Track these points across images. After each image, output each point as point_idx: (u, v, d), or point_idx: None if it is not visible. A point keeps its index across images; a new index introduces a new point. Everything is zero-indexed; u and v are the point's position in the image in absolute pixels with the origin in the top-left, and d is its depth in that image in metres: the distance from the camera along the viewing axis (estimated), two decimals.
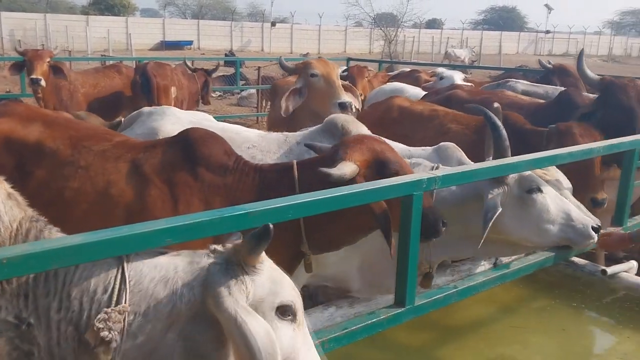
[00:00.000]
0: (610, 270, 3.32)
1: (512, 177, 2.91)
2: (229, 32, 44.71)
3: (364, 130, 3.28)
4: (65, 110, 6.82)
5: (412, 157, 3.17)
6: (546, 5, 61.13)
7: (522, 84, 6.49)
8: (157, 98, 7.31)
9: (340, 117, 3.35)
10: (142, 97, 7.35)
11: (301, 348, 1.65)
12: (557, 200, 2.95)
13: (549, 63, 8.39)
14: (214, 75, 9.77)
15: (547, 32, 59.46)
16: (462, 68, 17.44)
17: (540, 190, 2.90)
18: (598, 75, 4.74)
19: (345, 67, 8.87)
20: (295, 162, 2.53)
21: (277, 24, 47.53)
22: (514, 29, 63.09)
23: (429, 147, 3.33)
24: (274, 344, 1.49)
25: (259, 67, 13.25)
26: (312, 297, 3.67)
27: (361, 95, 7.24)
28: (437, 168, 2.89)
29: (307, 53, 31.34)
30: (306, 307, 2.12)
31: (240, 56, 21.01)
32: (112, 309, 1.52)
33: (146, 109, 3.88)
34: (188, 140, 2.62)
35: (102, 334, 1.51)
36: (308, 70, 5.06)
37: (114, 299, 1.54)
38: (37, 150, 2.66)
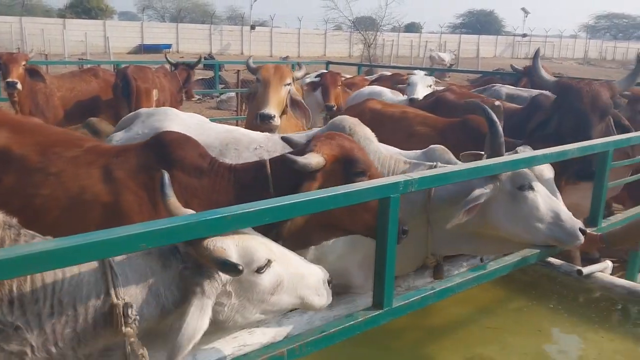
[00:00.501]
0: (585, 270, 3.37)
1: (505, 173, 2.96)
2: (208, 36, 44.60)
3: (369, 132, 3.33)
4: (41, 114, 6.76)
5: (404, 158, 3.26)
6: (523, 9, 61.93)
7: (506, 88, 6.54)
8: (138, 101, 7.27)
9: (347, 120, 3.36)
10: (122, 100, 7.31)
11: (283, 272, 1.93)
12: (548, 199, 3.01)
13: (525, 66, 8.54)
14: (195, 79, 9.73)
15: (524, 35, 60.23)
16: (441, 71, 17.59)
17: (531, 188, 2.96)
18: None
19: (318, 73, 8.57)
20: (267, 159, 2.57)
21: (256, 27, 47.52)
22: (492, 33, 63.83)
23: (419, 150, 3.38)
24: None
25: (238, 71, 13.23)
26: None
27: (335, 106, 7.19)
28: (435, 167, 2.99)
29: (287, 56, 31.36)
30: None
31: (219, 59, 20.95)
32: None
33: (144, 109, 3.85)
34: (162, 143, 2.62)
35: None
36: (256, 74, 5.11)
37: (108, 304, 1.66)
38: (3, 156, 2.61)
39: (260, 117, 4.64)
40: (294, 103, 5.10)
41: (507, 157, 2.88)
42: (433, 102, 5.35)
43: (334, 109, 7.28)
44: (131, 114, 3.86)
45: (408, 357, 3.04)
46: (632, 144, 4.00)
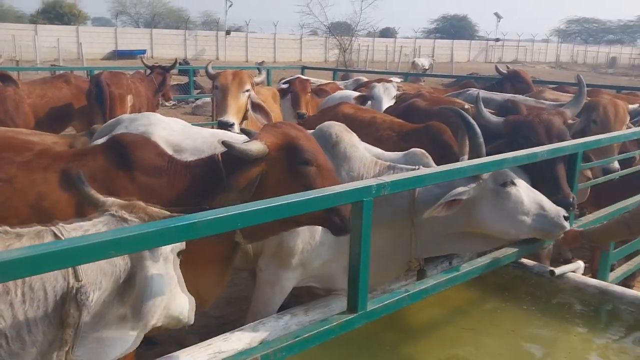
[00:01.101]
0: (558, 270, 3.42)
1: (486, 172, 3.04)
2: (183, 41, 44.34)
3: (355, 139, 3.37)
4: (11, 121, 6.65)
5: (385, 159, 3.32)
6: (496, 14, 62.81)
7: (481, 93, 6.57)
8: (112, 107, 7.20)
9: (335, 126, 3.39)
10: (96, 107, 7.23)
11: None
12: (530, 192, 3.11)
13: (508, 67, 8.65)
14: (171, 82, 9.67)
15: (497, 40, 61.03)
16: (416, 76, 17.72)
17: (513, 183, 3.05)
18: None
19: (286, 79, 8.39)
20: (219, 153, 2.58)
21: (232, 33, 47.32)
22: (465, 38, 64.51)
23: (400, 152, 3.43)
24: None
25: None
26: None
27: (305, 114, 7.13)
28: (418, 169, 3.05)
29: (263, 62, 31.27)
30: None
31: (194, 65, 20.82)
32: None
33: (126, 115, 3.81)
34: (121, 145, 2.64)
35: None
36: (214, 81, 5.08)
37: (72, 281, 1.70)
38: None
39: (219, 124, 4.62)
40: (255, 107, 5.06)
41: (477, 160, 2.93)
42: (405, 109, 5.38)
43: (305, 116, 7.13)
44: (112, 120, 3.80)
45: (384, 359, 3.04)
46: (601, 146, 4.08)
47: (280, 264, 3.27)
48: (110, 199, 1.93)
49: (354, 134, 3.46)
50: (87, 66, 18.12)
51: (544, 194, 3.23)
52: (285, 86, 7.64)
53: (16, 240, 1.67)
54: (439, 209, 2.88)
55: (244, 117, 4.96)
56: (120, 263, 1.77)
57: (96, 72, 8.26)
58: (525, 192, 3.09)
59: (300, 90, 7.37)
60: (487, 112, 4.08)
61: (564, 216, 3.11)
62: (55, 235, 1.71)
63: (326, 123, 3.50)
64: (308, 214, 2.34)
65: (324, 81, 9.97)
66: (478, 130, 3.11)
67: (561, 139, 3.82)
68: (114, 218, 1.85)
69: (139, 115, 3.80)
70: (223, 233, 2.25)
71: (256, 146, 2.43)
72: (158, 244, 1.67)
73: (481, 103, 4.11)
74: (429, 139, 4.11)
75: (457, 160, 3.36)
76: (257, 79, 5.57)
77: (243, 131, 3.01)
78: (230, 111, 4.86)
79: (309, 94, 7.58)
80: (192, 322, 2.11)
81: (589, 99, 5.01)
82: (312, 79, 9.30)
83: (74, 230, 1.76)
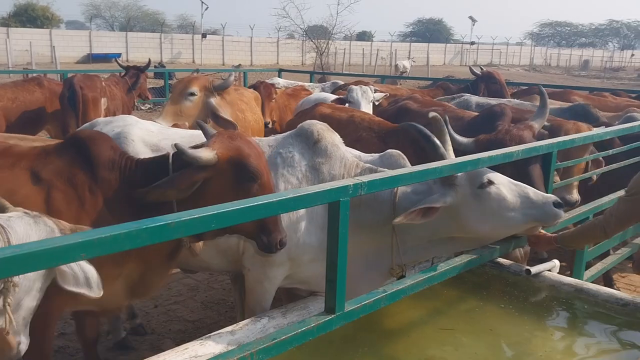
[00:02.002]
0: (534, 269, 3.44)
1: (461, 177, 3.04)
2: (159, 44, 43.99)
3: (337, 138, 3.39)
4: None
5: (362, 161, 3.33)
6: (470, 17, 63.44)
7: (476, 98, 6.58)
8: (85, 110, 7.12)
9: (316, 125, 3.42)
10: (69, 110, 7.14)
11: None
12: (513, 186, 3.08)
13: (481, 69, 8.73)
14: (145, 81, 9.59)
15: (472, 43, 61.71)
16: (393, 79, 17.82)
17: (491, 182, 3.03)
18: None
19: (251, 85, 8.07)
20: (171, 153, 2.71)
21: (208, 36, 47.09)
22: (441, 41, 65.11)
23: (377, 154, 3.44)
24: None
25: None
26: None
27: (270, 123, 6.97)
28: None
29: (239, 64, 31.23)
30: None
31: (170, 68, 20.68)
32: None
33: (101, 119, 3.86)
34: (81, 141, 2.80)
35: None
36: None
37: None
38: None
39: None
40: (216, 118, 5.07)
41: (452, 160, 2.94)
42: (396, 111, 5.43)
43: (269, 125, 6.86)
44: (88, 123, 3.85)
45: None
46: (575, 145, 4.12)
47: (265, 261, 3.27)
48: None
49: (336, 133, 3.46)
50: (60, 69, 17.85)
51: None
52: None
53: None
54: (412, 216, 2.87)
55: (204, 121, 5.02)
56: None
57: (70, 75, 8.15)
58: (507, 188, 3.06)
59: (264, 96, 6.99)
60: (456, 135, 3.98)
61: (556, 202, 3.06)
62: None
63: (308, 121, 3.51)
64: (239, 225, 2.42)
65: (301, 83, 9.94)
66: (436, 142, 3.11)
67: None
68: (27, 215, 2.02)
69: (115, 118, 3.84)
70: None
71: (206, 154, 2.54)
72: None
73: (449, 125, 3.90)
74: (406, 139, 4.13)
75: (437, 160, 3.36)
76: (217, 83, 5.52)
77: (198, 124, 3.13)
78: (164, 115, 4.99)
79: (275, 99, 7.24)
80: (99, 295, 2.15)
81: (557, 119, 5.08)
82: (286, 82, 9.27)
83: None
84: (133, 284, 2.83)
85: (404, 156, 3.34)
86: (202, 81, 5.41)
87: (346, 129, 4.28)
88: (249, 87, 7.64)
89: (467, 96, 6.67)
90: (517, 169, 3.60)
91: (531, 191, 3.10)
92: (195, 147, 2.64)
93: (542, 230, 3.37)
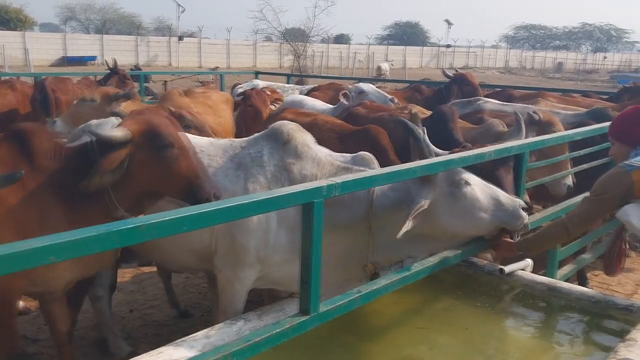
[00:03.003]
0: (507, 269, 3.47)
1: (439, 177, 3.08)
2: (135, 47, 43.58)
3: (309, 138, 3.41)
4: None
5: (343, 164, 3.34)
6: (446, 21, 64.04)
7: (491, 104, 6.51)
8: (57, 113, 7.02)
9: (287, 125, 3.46)
10: (41, 113, 7.04)
11: None
12: (485, 188, 3.15)
13: (456, 71, 8.80)
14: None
15: (448, 46, 62.25)
16: (371, 81, 17.92)
17: (467, 183, 3.08)
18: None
19: (240, 89, 7.83)
20: (94, 139, 2.88)
21: (184, 39, 46.80)
22: (418, 44, 65.57)
23: (349, 155, 3.46)
24: None
25: (165, 82, 13.01)
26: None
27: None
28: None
29: (216, 67, 31.10)
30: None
31: (147, 71, 20.51)
32: None
33: (94, 121, 3.87)
34: (22, 134, 2.98)
35: None
36: None
37: None
38: None
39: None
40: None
41: (425, 161, 2.96)
42: (346, 116, 5.51)
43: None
44: (81, 126, 3.94)
45: None
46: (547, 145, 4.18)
47: (236, 262, 3.28)
48: None
49: (308, 133, 3.46)
50: (34, 72, 17.61)
51: None
52: (239, 98, 6.92)
53: None
54: (411, 223, 2.91)
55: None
56: None
57: (42, 77, 8.05)
58: (480, 189, 3.13)
59: (260, 104, 6.53)
60: (433, 147, 3.85)
61: (522, 207, 3.14)
62: None
63: (278, 122, 3.54)
64: (168, 185, 2.89)
65: (273, 84, 9.90)
66: (420, 135, 3.15)
67: (508, 166, 3.92)
68: None
69: (107, 120, 3.87)
70: (102, 207, 2.91)
71: (119, 132, 2.78)
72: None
73: (426, 136, 3.84)
74: (367, 142, 4.21)
75: (392, 163, 3.41)
76: (120, 94, 5.58)
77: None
78: (64, 117, 5.41)
79: (270, 107, 6.75)
80: None
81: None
82: (265, 84, 9.24)
83: None
84: (77, 261, 2.94)
85: (375, 160, 3.37)
86: (105, 90, 5.62)
87: (309, 131, 4.34)
88: (237, 95, 7.47)
89: (482, 101, 6.61)
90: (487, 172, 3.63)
91: (501, 194, 3.17)
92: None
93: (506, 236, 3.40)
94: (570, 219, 3.15)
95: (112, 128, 2.84)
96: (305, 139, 3.38)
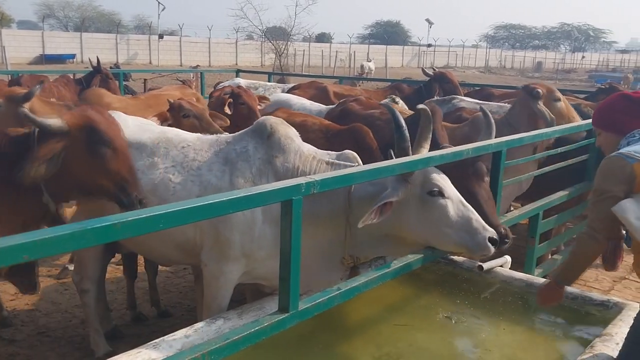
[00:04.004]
0: (486, 265, 3.51)
1: (417, 177, 3.05)
2: (115, 45, 43.15)
3: (292, 132, 3.42)
4: None
5: (327, 159, 3.36)
6: (427, 20, 64.25)
7: (466, 102, 6.56)
8: None
9: (270, 119, 3.49)
10: None
11: None
12: (460, 206, 3.07)
13: (434, 70, 8.84)
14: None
15: (429, 45, 62.55)
16: (352, 80, 17.95)
17: (441, 194, 3.03)
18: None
19: (223, 87, 7.73)
20: (36, 129, 2.95)
21: (165, 37, 46.45)
22: (399, 43, 65.84)
23: (334, 153, 3.46)
24: None
25: (145, 80, 12.90)
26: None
27: None
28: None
29: (197, 65, 30.92)
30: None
31: (126, 69, 20.30)
32: None
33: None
34: None
35: None
36: None
37: None
38: None
39: None
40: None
41: (404, 159, 2.96)
42: (340, 112, 5.51)
43: None
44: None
45: (319, 359, 3.03)
46: (524, 144, 4.23)
47: (221, 256, 3.28)
48: None
49: (292, 127, 3.47)
50: (11, 70, 17.34)
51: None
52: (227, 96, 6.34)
53: None
54: (372, 216, 2.87)
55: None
56: None
57: (19, 75, 7.94)
58: (453, 205, 3.05)
59: (252, 101, 6.24)
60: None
61: (491, 238, 3.01)
62: None
63: (262, 117, 3.59)
64: (97, 183, 2.99)
65: (263, 83, 9.86)
66: (405, 133, 3.11)
67: (480, 174, 3.86)
68: None
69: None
70: (31, 194, 2.98)
71: (55, 123, 2.89)
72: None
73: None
74: (351, 141, 4.24)
75: (376, 161, 3.41)
76: (22, 94, 5.48)
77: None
78: None
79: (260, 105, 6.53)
80: None
81: None
82: (247, 82, 9.20)
83: None
84: None
85: (357, 157, 3.38)
86: (8, 92, 5.47)
87: (298, 131, 4.36)
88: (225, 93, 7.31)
89: (457, 100, 6.64)
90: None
91: (475, 219, 3.05)
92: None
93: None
94: (593, 228, 2.71)
95: (51, 119, 2.95)
96: (287, 131, 3.40)
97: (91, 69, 9.36)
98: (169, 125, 4.78)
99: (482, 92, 8.83)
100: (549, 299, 3.00)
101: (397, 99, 6.77)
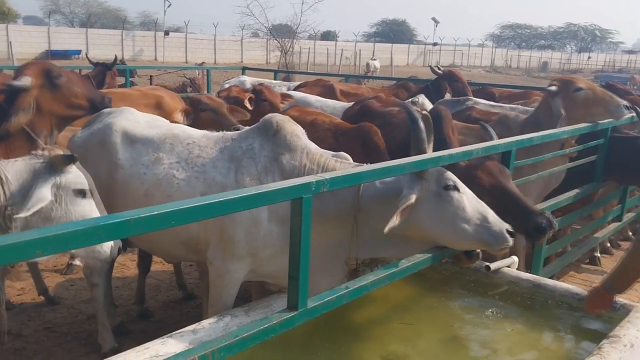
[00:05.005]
0: (493, 266, 3.50)
1: (431, 173, 3.01)
2: (120, 41, 43.21)
3: (298, 129, 3.40)
4: None
5: (335, 158, 3.35)
6: (433, 19, 64.13)
7: (482, 105, 6.47)
8: None
9: (276, 116, 3.47)
10: None
11: (90, 211, 2.74)
12: (474, 201, 3.03)
13: (439, 69, 8.80)
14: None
15: (435, 44, 62.42)
16: (357, 78, 17.92)
17: (457, 189, 2.99)
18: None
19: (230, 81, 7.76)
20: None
21: (170, 33, 46.49)
22: (404, 42, 65.74)
23: (331, 152, 3.44)
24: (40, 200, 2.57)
25: (151, 76, 12.91)
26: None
27: None
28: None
29: (203, 62, 30.94)
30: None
31: (132, 65, 20.32)
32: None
33: (106, 109, 4.20)
34: None
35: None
36: None
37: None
38: None
39: None
40: None
41: (413, 158, 2.93)
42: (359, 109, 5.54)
43: None
44: (96, 113, 4.18)
45: (326, 357, 3.04)
46: (534, 144, 4.21)
47: (226, 255, 3.27)
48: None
49: (298, 125, 3.46)
50: (17, 65, 17.37)
51: (515, 225, 3.11)
52: (223, 94, 6.37)
53: None
54: (396, 220, 2.80)
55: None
56: None
57: None
58: (468, 200, 3.01)
59: (274, 98, 6.16)
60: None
61: (508, 231, 2.97)
62: None
63: (268, 114, 3.55)
64: (72, 105, 4.25)
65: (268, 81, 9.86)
66: (421, 125, 3.09)
67: (506, 172, 3.83)
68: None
69: (116, 109, 4.13)
70: (22, 140, 3.81)
71: (26, 80, 3.97)
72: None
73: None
74: (358, 140, 4.24)
75: (383, 160, 3.38)
76: None
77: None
78: None
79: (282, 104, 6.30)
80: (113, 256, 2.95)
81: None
82: (252, 79, 9.19)
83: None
84: None
85: (349, 158, 3.38)
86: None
87: (309, 130, 4.36)
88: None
89: (471, 101, 6.55)
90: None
91: (491, 214, 3.02)
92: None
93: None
94: None
95: (22, 78, 3.99)
96: (294, 129, 3.37)
97: (92, 65, 9.35)
98: (192, 120, 4.86)
99: (482, 91, 8.82)
100: (597, 306, 2.97)
101: (420, 98, 6.73)
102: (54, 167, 2.68)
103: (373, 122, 4.56)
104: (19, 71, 4.09)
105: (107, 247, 2.83)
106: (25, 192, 2.59)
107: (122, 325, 4.44)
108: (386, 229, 2.79)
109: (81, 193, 2.74)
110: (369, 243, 3.13)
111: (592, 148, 5.37)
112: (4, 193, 2.58)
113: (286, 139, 3.31)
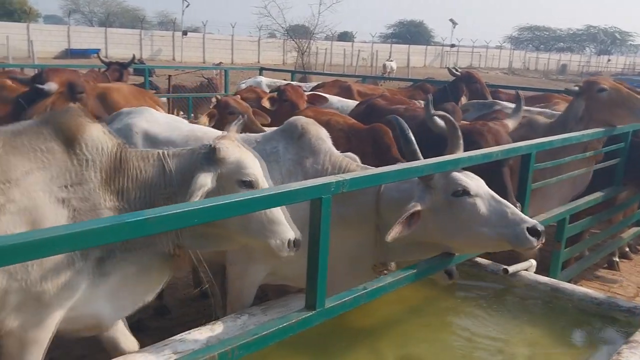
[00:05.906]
0: (511, 269, 3.48)
1: (438, 181, 2.93)
2: (139, 41, 43.56)
3: (323, 132, 3.40)
4: None
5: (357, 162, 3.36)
6: (451, 20, 63.87)
7: (509, 109, 6.41)
8: None
9: (301, 119, 3.47)
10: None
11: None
12: (492, 202, 2.91)
13: (456, 70, 8.75)
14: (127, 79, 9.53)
15: (452, 45, 62.14)
16: (374, 79, 17.91)
17: (467, 193, 2.89)
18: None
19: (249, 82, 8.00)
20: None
21: (188, 33, 46.79)
22: (421, 43, 65.48)
23: (339, 153, 3.43)
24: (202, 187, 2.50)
25: (170, 76, 12.98)
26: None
27: None
28: None
29: (220, 62, 31.06)
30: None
31: (151, 65, 20.48)
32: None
33: (125, 109, 4.14)
34: None
35: None
36: None
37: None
38: None
39: None
40: None
41: (432, 160, 2.89)
42: (365, 108, 5.54)
43: None
44: (115, 113, 4.14)
45: (342, 358, 3.04)
46: (555, 146, 4.18)
47: (247, 257, 3.26)
48: None
49: (322, 128, 3.45)
50: (38, 64, 17.58)
51: None
52: (273, 94, 6.29)
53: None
54: (399, 228, 2.76)
55: None
56: None
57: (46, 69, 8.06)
58: (483, 201, 2.90)
59: (298, 98, 5.96)
60: (436, 118, 3.97)
61: (531, 229, 2.79)
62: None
63: (293, 117, 3.54)
64: None
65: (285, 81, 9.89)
66: (410, 137, 3.05)
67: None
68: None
69: (136, 109, 4.08)
70: None
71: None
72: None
73: (432, 106, 4.11)
74: (370, 140, 4.26)
75: (394, 161, 3.36)
76: None
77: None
78: None
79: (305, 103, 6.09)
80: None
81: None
82: (269, 80, 9.23)
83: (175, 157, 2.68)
84: None
85: (357, 159, 3.37)
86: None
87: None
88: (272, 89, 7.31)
89: (499, 106, 6.41)
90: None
91: (510, 211, 2.89)
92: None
93: None
94: None
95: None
96: (319, 132, 3.36)
97: (107, 63, 9.46)
98: (216, 122, 4.89)
99: (495, 93, 8.77)
100: None
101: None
102: (215, 158, 2.61)
103: (379, 121, 4.57)
104: (47, 74, 4.14)
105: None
106: (187, 182, 2.54)
107: (141, 322, 4.47)
108: (388, 238, 2.74)
109: (246, 184, 2.61)
110: (393, 249, 3.08)
111: (614, 152, 5.31)
112: (165, 181, 2.58)
113: (311, 142, 3.30)
